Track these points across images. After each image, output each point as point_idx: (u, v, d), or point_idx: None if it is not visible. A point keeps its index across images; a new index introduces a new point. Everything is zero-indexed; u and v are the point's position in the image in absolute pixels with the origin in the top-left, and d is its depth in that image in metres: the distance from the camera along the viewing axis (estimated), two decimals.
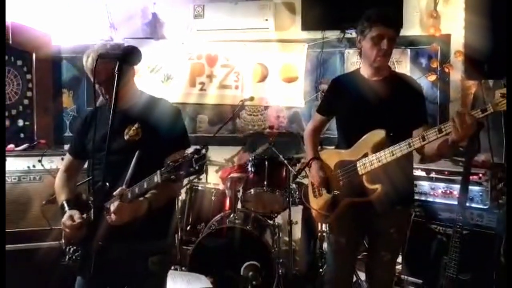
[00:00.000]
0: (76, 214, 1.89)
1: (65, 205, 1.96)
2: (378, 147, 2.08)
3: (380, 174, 2.08)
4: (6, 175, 3.06)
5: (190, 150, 1.61)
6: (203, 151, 1.49)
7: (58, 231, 2.01)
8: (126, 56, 1.62)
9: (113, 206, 1.70)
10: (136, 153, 1.72)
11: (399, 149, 2.00)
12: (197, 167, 1.47)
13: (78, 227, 1.85)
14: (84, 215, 1.90)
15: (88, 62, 1.84)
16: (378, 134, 2.09)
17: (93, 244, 1.69)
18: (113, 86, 1.68)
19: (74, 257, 1.92)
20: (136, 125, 1.85)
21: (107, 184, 1.71)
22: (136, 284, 1.87)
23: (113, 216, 1.69)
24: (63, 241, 1.98)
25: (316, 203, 2.39)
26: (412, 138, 1.98)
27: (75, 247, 1.93)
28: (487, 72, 2.88)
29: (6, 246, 2.94)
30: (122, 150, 1.77)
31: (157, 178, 1.58)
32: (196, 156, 1.47)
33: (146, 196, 1.73)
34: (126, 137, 1.84)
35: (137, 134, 1.84)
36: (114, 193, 1.71)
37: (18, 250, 3.02)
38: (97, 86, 1.84)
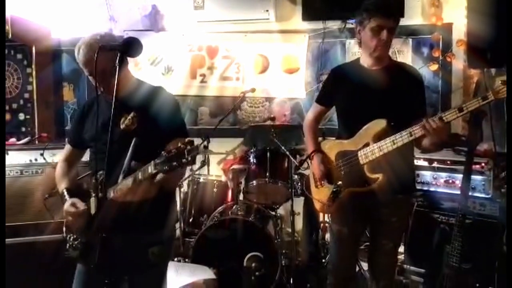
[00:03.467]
0: (78, 202, 1.89)
1: (65, 193, 1.96)
2: (379, 137, 2.08)
3: (381, 163, 2.08)
4: (8, 168, 3.07)
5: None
6: (196, 142, 1.50)
7: (61, 224, 2.02)
8: (127, 48, 1.61)
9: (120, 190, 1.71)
10: (133, 141, 1.72)
11: (400, 138, 2.01)
12: (189, 158, 1.46)
13: (80, 214, 1.86)
14: (85, 203, 1.90)
15: (80, 54, 1.81)
16: (380, 124, 2.09)
17: (95, 234, 1.70)
18: (107, 77, 1.69)
19: (74, 245, 1.93)
20: (131, 114, 1.83)
21: (103, 173, 1.72)
22: (137, 275, 1.88)
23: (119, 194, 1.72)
24: (64, 229, 1.98)
25: (318, 194, 2.39)
26: (413, 127, 1.98)
27: (75, 236, 1.94)
28: (490, 60, 2.86)
29: (9, 239, 2.96)
30: (118, 139, 1.75)
31: (151, 168, 1.58)
32: (188, 147, 1.47)
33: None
34: (122, 126, 1.83)
35: (132, 123, 1.83)
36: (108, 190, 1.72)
37: (21, 243, 3.03)
38: (90, 78, 1.82)
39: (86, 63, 1.80)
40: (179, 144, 1.48)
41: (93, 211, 1.88)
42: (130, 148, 1.70)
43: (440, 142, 2.00)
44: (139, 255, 1.84)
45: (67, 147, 2.15)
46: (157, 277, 1.95)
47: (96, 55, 1.62)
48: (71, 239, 1.95)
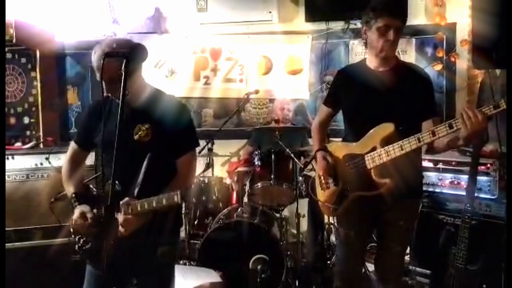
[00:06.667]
0: (87, 211, 1.88)
1: (74, 199, 1.95)
2: (387, 141, 2.05)
3: (388, 168, 2.05)
4: (14, 173, 3.09)
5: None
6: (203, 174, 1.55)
7: (67, 228, 2.02)
8: (133, 54, 1.61)
9: (120, 218, 1.73)
10: (147, 157, 1.72)
11: (408, 144, 1.98)
12: (216, 192, 1.51)
13: (90, 225, 1.86)
14: (95, 211, 1.90)
15: (94, 58, 1.83)
16: (387, 128, 2.06)
17: (106, 242, 1.69)
18: (117, 85, 1.68)
19: (84, 248, 1.93)
20: (146, 126, 1.84)
21: (117, 183, 1.71)
22: (146, 276, 1.89)
23: (121, 229, 1.73)
24: (71, 230, 1.97)
25: (323, 196, 2.38)
26: (422, 133, 1.95)
27: (85, 238, 1.93)
28: (495, 61, 2.83)
29: (15, 243, 2.99)
30: (131, 148, 1.77)
31: (177, 198, 1.61)
32: (214, 182, 1.52)
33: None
34: (135, 137, 1.84)
35: (147, 135, 1.84)
36: (121, 202, 1.73)
37: (27, 247, 3.05)
38: (103, 83, 1.81)
39: (98, 69, 1.79)
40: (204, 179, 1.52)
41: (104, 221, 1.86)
42: (145, 163, 1.70)
43: (449, 147, 1.98)
44: (148, 256, 1.85)
45: (73, 146, 2.12)
46: (166, 278, 1.97)
47: (102, 61, 1.62)
48: (80, 241, 1.94)
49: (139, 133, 1.84)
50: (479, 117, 1.76)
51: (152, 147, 1.78)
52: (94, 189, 2.05)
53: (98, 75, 1.82)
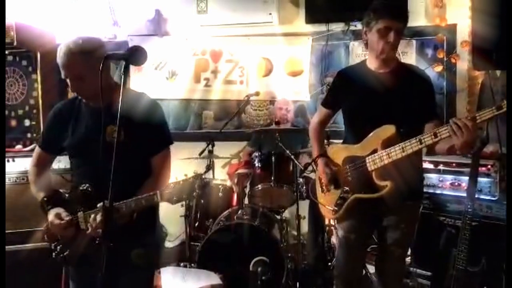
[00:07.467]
0: (62, 212, 1.86)
1: (46, 203, 1.92)
2: (388, 143, 2.04)
3: (390, 170, 2.04)
4: (15, 175, 3.09)
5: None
6: (204, 176, 1.57)
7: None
8: (133, 56, 1.59)
9: (96, 220, 1.73)
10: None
11: (409, 146, 1.96)
12: (200, 192, 1.56)
13: (66, 225, 1.84)
14: (71, 216, 1.88)
15: (59, 56, 1.80)
16: (388, 130, 2.04)
17: (93, 245, 1.73)
18: (82, 83, 1.72)
19: (62, 255, 1.91)
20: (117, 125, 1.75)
21: (89, 186, 1.74)
22: (122, 277, 1.84)
23: (97, 231, 1.73)
24: (45, 237, 1.96)
25: (324, 199, 2.38)
26: (424, 135, 1.94)
27: (61, 245, 1.92)
28: (495, 62, 2.83)
29: (15, 245, 2.98)
30: (103, 151, 1.63)
31: (157, 198, 1.62)
32: (198, 182, 1.55)
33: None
34: (108, 138, 1.75)
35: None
36: (98, 205, 1.73)
37: (28, 249, 3.05)
38: (68, 80, 1.81)
39: (62, 66, 1.79)
40: (187, 177, 1.56)
41: (82, 225, 1.85)
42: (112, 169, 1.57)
43: (449, 154, 1.97)
44: (124, 258, 1.79)
45: (38, 151, 2.06)
46: (142, 280, 1.95)
47: (102, 63, 1.59)
48: (58, 248, 1.92)
49: (112, 133, 1.75)
50: (469, 125, 1.77)
51: (125, 147, 1.68)
52: (66, 193, 1.98)
53: (62, 73, 1.81)
